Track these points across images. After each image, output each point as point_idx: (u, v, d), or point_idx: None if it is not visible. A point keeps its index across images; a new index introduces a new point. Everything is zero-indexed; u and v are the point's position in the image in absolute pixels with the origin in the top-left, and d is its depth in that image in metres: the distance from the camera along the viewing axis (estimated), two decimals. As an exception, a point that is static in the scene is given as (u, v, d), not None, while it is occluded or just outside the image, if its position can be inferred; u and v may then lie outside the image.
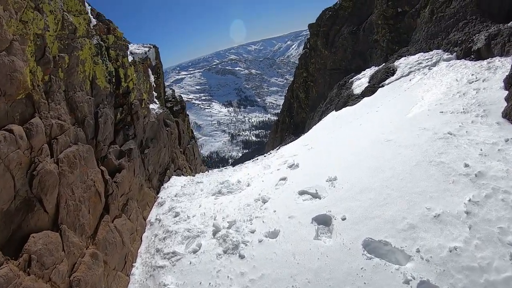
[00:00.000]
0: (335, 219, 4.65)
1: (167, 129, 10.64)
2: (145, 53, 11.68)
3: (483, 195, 4.25)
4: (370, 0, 17.74)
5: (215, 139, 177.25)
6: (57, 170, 3.59)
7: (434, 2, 11.61)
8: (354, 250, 4.05)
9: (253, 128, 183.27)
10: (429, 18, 11.64)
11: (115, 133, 6.11)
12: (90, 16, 5.87)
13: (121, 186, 5.43)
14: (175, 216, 6.28)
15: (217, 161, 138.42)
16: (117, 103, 6.55)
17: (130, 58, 8.69)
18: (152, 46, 13.03)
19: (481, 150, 5.01)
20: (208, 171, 16.73)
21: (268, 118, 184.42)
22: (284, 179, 6.85)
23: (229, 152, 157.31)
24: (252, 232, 4.90)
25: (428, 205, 4.34)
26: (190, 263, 4.62)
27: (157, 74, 13.69)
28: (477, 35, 8.96)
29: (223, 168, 26.71)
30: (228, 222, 5.35)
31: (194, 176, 11.37)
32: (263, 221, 5.13)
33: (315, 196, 5.47)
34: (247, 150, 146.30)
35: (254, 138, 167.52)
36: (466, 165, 4.77)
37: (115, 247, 4.67)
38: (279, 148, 28.41)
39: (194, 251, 4.85)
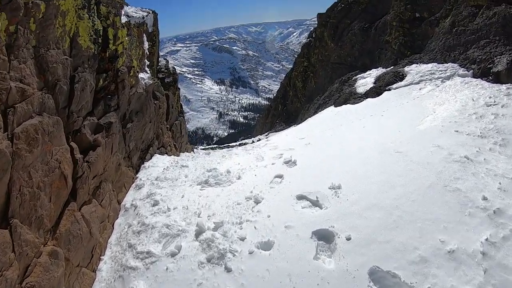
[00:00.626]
0: (339, 237, 4.12)
1: (155, 102, 9.72)
2: (143, 17, 10.52)
3: (500, 236, 3.86)
4: (387, -1, 16.88)
5: (202, 115, 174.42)
6: (10, 149, 2.77)
7: (457, 14, 11.03)
8: (359, 279, 3.54)
9: (242, 109, 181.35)
10: (449, 29, 11.07)
11: (95, 103, 5.22)
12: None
13: (94, 167, 4.63)
14: (154, 205, 5.58)
15: (202, 138, 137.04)
16: (101, 67, 5.61)
17: (124, 19, 7.63)
18: (151, 12, 11.88)
19: (500, 184, 4.62)
20: (193, 151, 15.97)
21: (259, 102, 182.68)
22: (280, 176, 6.25)
23: (215, 130, 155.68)
24: (242, 239, 4.30)
25: (442, 237, 3.89)
26: (167, 269, 3.98)
27: (152, 42, 12.53)
28: (498, 57, 8.54)
29: (209, 148, 25.91)
30: (214, 222, 4.71)
31: (178, 156, 10.62)
32: (255, 227, 4.53)
33: (316, 204, 4.91)
34: (233, 130, 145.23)
35: (242, 120, 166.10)
36: (484, 198, 4.37)
37: (81, 241, 3.95)
38: (268, 134, 27.92)
39: (173, 254, 4.19)
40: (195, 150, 17.65)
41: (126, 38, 6.97)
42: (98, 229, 4.58)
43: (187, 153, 12.55)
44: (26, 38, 3.32)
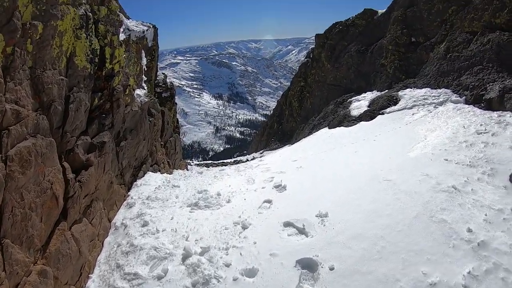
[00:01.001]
0: (322, 267, 4.14)
1: (150, 119, 9.79)
2: (143, 32, 10.75)
3: (483, 269, 3.89)
4: (385, 23, 17.41)
5: (199, 129, 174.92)
6: (3, 172, 2.82)
7: (452, 40, 11.37)
8: (340, 312, 3.55)
9: (239, 125, 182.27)
10: (443, 55, 11.40)
11: (89, 122, 5.29)
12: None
13: (86, 186, 4.66)
14: (143, 226, 5.56)
15: (198, 152, 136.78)
16: (96, 86, 5.71)
17: (122, 37, 7.80)
18: (151, 26, 12.11)
19: (486, 215, 4.69)
20: (187, 168, 15.96)
21: (256, 118, 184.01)
22: (269, 201, 6.29)
23: (211, 145, 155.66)
24: (227, 266, 4.30)
25: (424, 269, 3.91)
26: (152, 292, 3.97)
27: (151, 56, 12.75)
28: (491, 84, 8.74)
29: (203, 163, 25.76)
30: (201, 247, 4.71)
31: (171, 173, 10.62)
32: (240, 254, 4.54)
33: (302, 232, 4.95)
34: (229, 146, 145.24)
35: (238, 135, 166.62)
36: (469, 230, 4.42)
37: (70, 259, 3.94)
38: (262, 153, 28.00)
39: (159, 277, 4.18)
40: (189, 166, 17.62)
41: (124, 56, 7.11)
42: (87, 248, 4.56)
43: (180, 170, 12.54)
44: (23, 60, 3.37)
